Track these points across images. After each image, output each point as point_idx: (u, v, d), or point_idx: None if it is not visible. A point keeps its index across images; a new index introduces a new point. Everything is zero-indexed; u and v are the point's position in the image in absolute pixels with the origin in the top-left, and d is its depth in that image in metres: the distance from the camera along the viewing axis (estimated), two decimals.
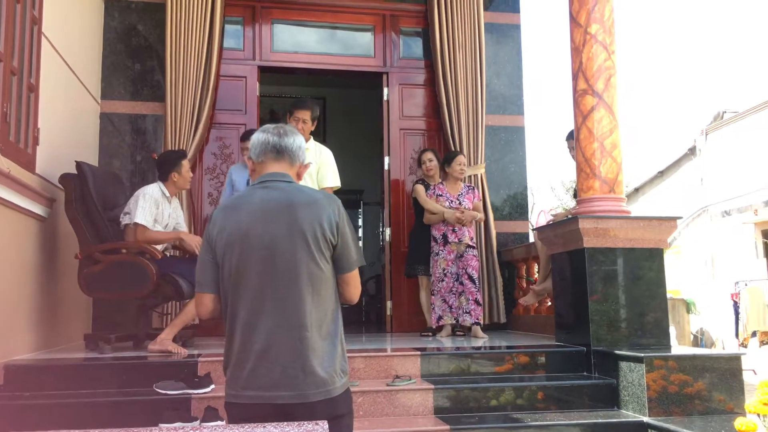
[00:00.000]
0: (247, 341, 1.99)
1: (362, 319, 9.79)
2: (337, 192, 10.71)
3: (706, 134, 14.26)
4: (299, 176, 2.27)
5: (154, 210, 4.33)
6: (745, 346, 11.95)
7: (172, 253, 4.97)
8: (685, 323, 13.02)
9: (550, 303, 5.58)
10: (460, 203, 5.58)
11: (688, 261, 14.78)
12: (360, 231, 11.36)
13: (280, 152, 2.20)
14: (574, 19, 4.72)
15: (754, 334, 11.74)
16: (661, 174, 16.16)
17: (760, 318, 11.69)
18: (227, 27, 6.46)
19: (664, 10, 45.47)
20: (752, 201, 12.79)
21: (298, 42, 6.70)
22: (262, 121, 9.86)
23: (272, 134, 2.22)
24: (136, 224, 4.25)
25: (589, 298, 4.29)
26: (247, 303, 2.00)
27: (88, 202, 4.40)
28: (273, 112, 10.28)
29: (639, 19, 42.07)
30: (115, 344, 4.37)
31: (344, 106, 9.95)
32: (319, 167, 4.55)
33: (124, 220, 4.36)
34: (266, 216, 2.05)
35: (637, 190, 17.16)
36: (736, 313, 11.94)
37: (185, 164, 4.50)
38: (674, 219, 4.45)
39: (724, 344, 13.38)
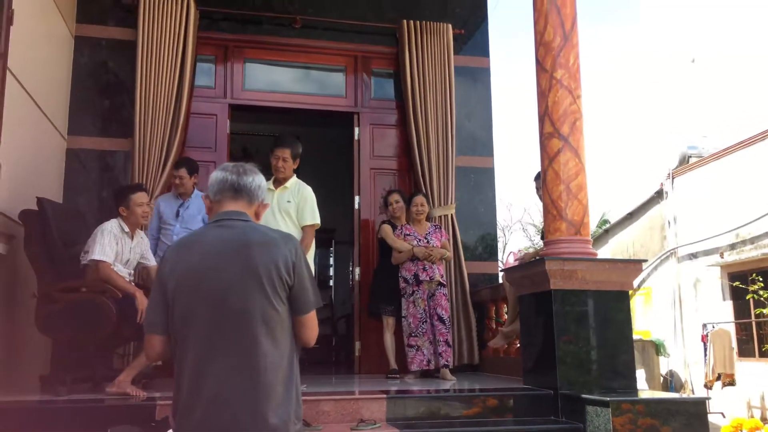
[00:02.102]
0: (195, 387, 1.92)
1: (332, 359, 9.65)
2: None
3: (672, 177, 14.54)
4: (258, 216, 2.24)
5: (114, 246, 4.23)
6: (711, 389, 12.00)
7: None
8: (654, 365, 13.07)
9: (518, 345, 5.55)
10: (428, 241, 5.57)
11: (657, 302, 14.90)
12: (331, 270, 11.29)
13: (237, 191, 2.17)
14: (540, 64, 4.81)
15: (718, 377, 11.81)
16: (630, 216, 16.38)
17: (726, 361, 11.77)
18: (199, 65, 6.47)
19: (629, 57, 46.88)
20: (718, 244, 13.00)
21: (270, 81, 6.74)
22: (233, 159, 9.85)
23: (231, 173, 2.20)
24: (96, 262, 4.15)
25: (556, 341, 4.27)
26: (197, 346, 1.94)
27: (48, 240, 4.29)
28: (246, 149, 10.27)
29: (605, 63, 43.27)
30: (73, 386, 4.22)
31: (317, 144, 9.95)
32: (298, 205, 4.53)
33: (84, 259, 4.26)
34: (220, 256, 2.01)
35: (607, 231, 17.36)
36: (706, 356, 12.01)
37: (135, 198, 4.36)
38: (639, 262, 4.49)
39: (693, 387, 13.43)
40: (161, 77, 6.05)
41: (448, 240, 6.07)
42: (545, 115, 4.74)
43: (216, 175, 2.22)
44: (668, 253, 14.47)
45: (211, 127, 6.44)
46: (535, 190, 5.48)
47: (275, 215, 4.46)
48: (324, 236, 10.89)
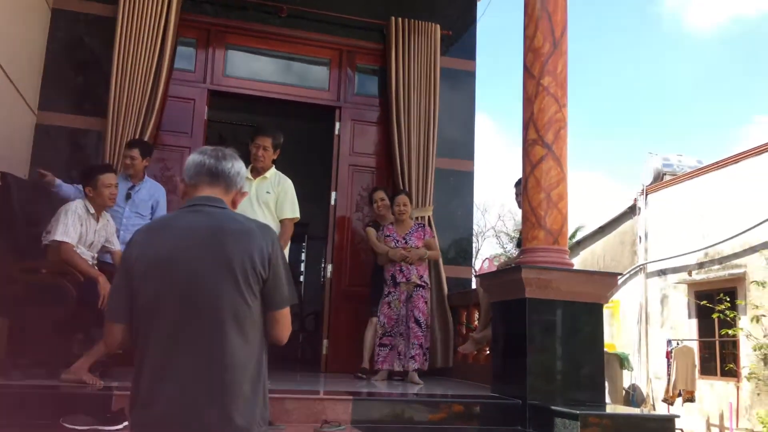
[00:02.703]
0: (156, 381, 1.80)
1: (298, 356, 9.51)
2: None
3: (645, 194, 14.69)
4: (234, 204, 2.13)
5: (78, 227, 4.06)
6: (672, 405, 12.13)
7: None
8: (617, 378, 13.17)
9: (488, 351, 5.50)
10: (406, 242, 5.49)
11: (623, 316, 15.05)
12: (302, 265, 11.16)
13: (215, 176, 2.06)
14: (528, 70, 4.76)
15: (680, 393, 11.94)
16: (602, 230, 16.53)
17: (688, 378, 11.91)
18: (180, 48, 6.30)
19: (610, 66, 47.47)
20: (687, 262, 13.16)
21: (252, 69, 6.59)
22: (209, 145, 9.66)
23: (209, 156, 2.09)
24: (58, 243, 3.98)
25: (528, 350, 4.21)
26: (161, 338, 1.82)
27: (10, 216, 4.12)
28: (222, 137, 10.07)
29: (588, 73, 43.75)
30: (27, 371, 4.04)
31: (296, 137, 9.79)
32: (278, 197, 4.41)
33: (46, 239, 4.08)
34: (191, 243, 1.89)
35: (578, 243, 17.48)
36: (669, 372, 12.14)
37: (103, 179, 4.18)
38: (615, 275, 4.47)
39: (655, 402, 13.57)
40: (139, 57, 5.87)
41: (433, 237, 5.94)
42: (530, 121, 4.69)
43: (193, 157, 2.11)
44: (638, 268, 14.61)
45: (188, 111, 6.27)
46: (514, 196, 5.44)
47: (253, 205, 4.33)
48: (297, 230, 10.66)
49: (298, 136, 9.53)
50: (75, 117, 5.90)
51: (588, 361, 4.30)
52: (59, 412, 3.39)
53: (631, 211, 15.11)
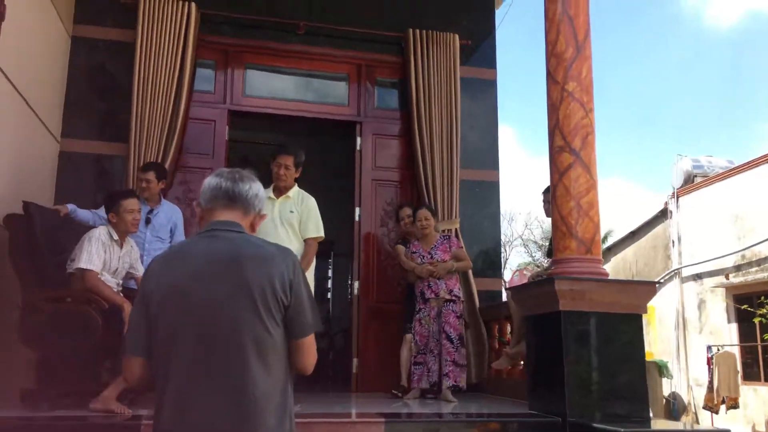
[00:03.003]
0: (177, 417, 1.72)
1: (328, 374, 9.40)
2: None
3: (677, 197, 14.37)
4: (253, 227, 2.04)
5: (102, 254, 4.02)
6: (717, 413, 11.76)
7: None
8: (657, 387, 12.81)
9: (523, 365, 5.33)
10: (432, 257, 5.37)
11: (660, 323, 14.68)
12: (329, 282, 11.07)
13: (232, 199, 1.98)
14: (551, 76, 4.63)
15: (723, 400, 11.57)
16: (633, 234, 16.20)
17: (731, 384, 11.54)
18: (199, 69, 6.29)
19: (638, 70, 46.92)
20: (723, 265, 12.81)
21: (271, 88, 6.57)
22: (231, 166, 9.65)
23: (226, 179, 2.01)
24: (82, 270, 3.95)
25: (565, 365, 4.04)
26: (181, 371, 1.74)
27: (34, 246, 4.09)
28: (246, 158, 10.08)
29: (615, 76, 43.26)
30: (56, 401, 4.00)
31: (319, 154, 9.75)
32: (302, 216, 4.34)
33: (70, 267, 4.05)
34: (209, 270, 1.81)
35: (609, 249, 17.15)
36: (710, 379, 11.78)
37: (125, 204, 4.15)
38: (653, 284, 4.29)
39: (697, 410, 13.17)
40: (159, 80, 5.88)
41: (461, 247, 5.78)
42: (555, 128, 4.56)
43: (210, 180, 2.03)
44: (672, 273, 14.27)
45: (210, 132, 6.25)
46: (542, 204, 5.29)
47: (276, 226, 4.27)
48: (323, 248, 10.59)
49: (322, 153, 9.49)
50: (97, 143, 5.91)
51: (628, 373, 4.12)
52: None
53: (663, 215, 14.79)
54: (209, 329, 1.75)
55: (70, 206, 4.69)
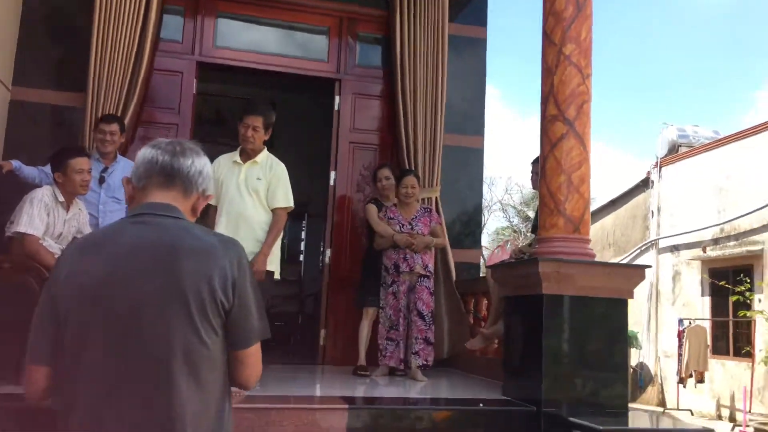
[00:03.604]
0: None
1: (297, 340, 9.17)
2: None
3: (660, 166, 14.18)
4: (195, 211, 1.70)
5: (45, 217, 3.65)
6: (684, 386, 11.81)
7: None
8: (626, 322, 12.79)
9: (497, 344, 5.11)
10: (412, 228, 5.06)
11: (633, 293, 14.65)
12: (302, 244, 10.77)
13: (170, 176, 1.64)
14: (548, 37, 4.27)
15: (691, 374, 11.61)
16: (613, 203, 16.05)
17: (700, 358, 11.56)
18: (166, 16, 5.81)
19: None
20: (702, 237, 12.72)
21: (244, 39, 6.11)
22: (202, 122, 9.18)
23: (163, 151, 1.66)
24: (22, 234, 3.57)
25: (544, 351, 3.80)
26: (92, 387, 1.43)
27: None
28: (219, 113, 9.60)
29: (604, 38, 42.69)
30: None
31: (295, 111, 9.33)
32: (270, 184, 3.97)
33: (9, 230, 3.67)
34: (134, 264, 1.48)
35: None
36: (680, 352, 11.79)
37: (73, 164, 3.74)
38: (642, 268, 4.03)
39: (663, 381, 13.25)
40: (121, 26, 5.40)
41: (441, 224, 5.51)
42: (549, 95, 4.22)
43: (144, 152, 1.69)
44: (649, 244, 14.18)
45: (176, 85, 5.81)
46: (531, 175, 4.99)
47: (241, 193, 3.91)
48: (296, 209, 10.27)
49: (299, 110, 9.08)
50: (52, 92, 5.47)
51: (610, 362, 3.89)
52: (22, 423, 3.04)
53: (644, 184, 14.61)
54: (128, 339, 1.43)
55: (15, 163, 4.29)
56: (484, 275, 5.72)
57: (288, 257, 10.71)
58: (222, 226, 3.87)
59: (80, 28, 5.49)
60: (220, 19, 6.03)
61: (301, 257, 10.76)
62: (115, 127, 4.53)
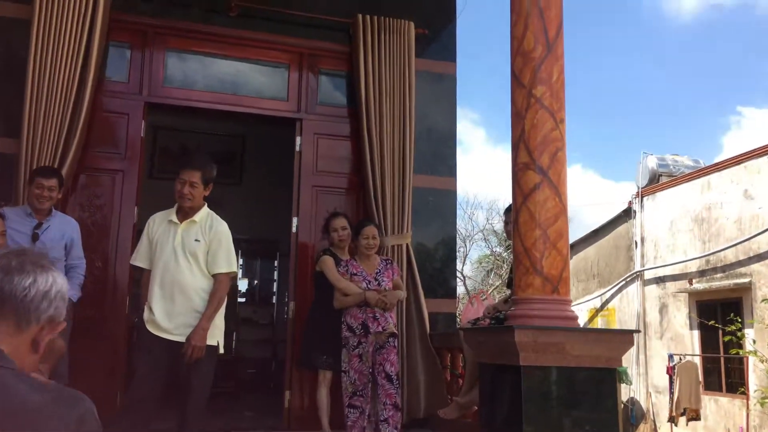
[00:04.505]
0: None
1: (270, 386, 8.63)
2: (254, 240, 9.49)
3: (641, 196, 13.89)
4: (37, 347, 1.25)
5: None
6: (676, 424, 11.38)
7: None
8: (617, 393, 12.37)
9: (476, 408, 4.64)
10: (378, 283, 4.62)
11: (620, 326, 14.25)
12: (274, 285, 10.27)
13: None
14: (516, 78, 3.89)
15: (683, 412, 11.18)
16: (595, 233, 15.73)
17: (692, 395, 11.14)
18: (111, 53, 5.39)
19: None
20: (688, 269, 12.39)
21: (197, 77, 5.68)
22: (164, 157, 8.70)
23: None
24: None
25: (525, 425, 3.36)
26: None
27: None
28: (185, 147, 9.15)
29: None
30: None
31: (264, 146, 8.90)
32: (210, 246, 3.49)
33: None
34: None
35: (572, 247, 16.66)
36: (671, 389, 11.36)
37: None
38: (630, 333, 3.62)
39: (655, 417, 12.80)
40: (60, 65, 4.96)
41: (400, 276, 5.12)
42: (520, 140, 3.83)
43: None
44: (634, 275, 13.83)
45: (122, 127, 5.36)
46: (503, 225, 4.58)
47: (177, 257, 3.44)
48: (269, 248, 9.88)
49: (266, 144, 8.64)
50: None
51: None
52: None
53: (626, 214, 14.31)
54: None
55: None
56: (460, 329, 5.28)
57: (259, 300, 10.25)
58: (155, 296, 3.40)
59: (14, 68, 5.04)
60: (169, 55, 5.60)
61: (274, 299, 10.26)
62: (54, 182, 4.09)
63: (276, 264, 10.19)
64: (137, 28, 5.50)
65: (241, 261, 10.13)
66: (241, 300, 9.89)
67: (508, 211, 4.48)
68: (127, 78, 5.45)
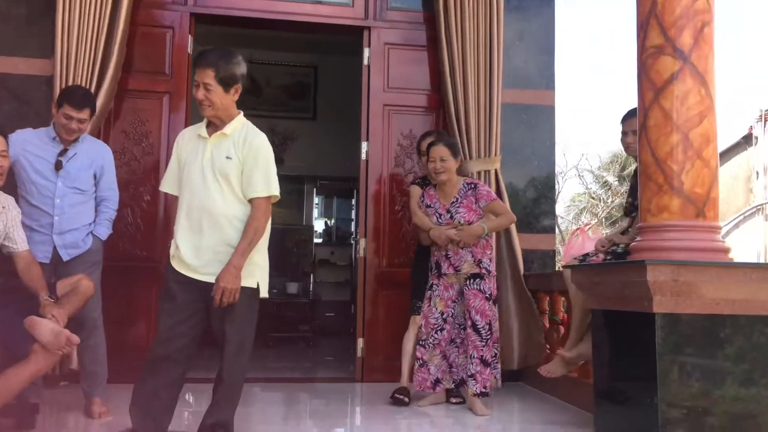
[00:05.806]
0: None
1: (351, 330, 8.14)
2: (331, 177, 8.88)
3: (764, 120, 12.31)
4: None
5: None
6: None
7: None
8: None
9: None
10: (452, 217, 3.81)
11: None
12: (352, 225, 9.70)
13: None
14: None
15: None
16: None
17: None
18: None
19: None
20: None
21: None
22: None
23: None
24: None
25: (660, 395, 2.53)
26: None
27: None
28: (253, 80, 8.55)
29: None
30: None
31: (339, 77, 8.15)
32: (244, 165, 2.75)
33: None
34: None
35: None
36: None
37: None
38: None
39: None
40: None
41: (495, 199, 4.10)
42: (650, 15, 2.86)
43: None
44: (754, 209, 12.42)
45: (165, 44, 4.72)
46: (621, 135, 3.62)
47: (206, 180, 2.73)
48: (345, 186, 9.29)
49: (347, 75, 7.85)
50: (11, 59, 4.48)
51: (763, 408, 2.59)
52: None
53: (746, 141, 12.79)
54: None
55: None
56: (560, 269, 4.42)
57: (337, 240, 9.73)
58: (181, 227, 2.74)
59: None
60: None
61: (352, 239, 9.71)
62: (86, 113, 3.47)
63: (354, 202, 9.60)
64: None
65: (317, 200, 9.63)
66: (317, 241, 9.41)
67: (627, 117, 3.52)
68: None
